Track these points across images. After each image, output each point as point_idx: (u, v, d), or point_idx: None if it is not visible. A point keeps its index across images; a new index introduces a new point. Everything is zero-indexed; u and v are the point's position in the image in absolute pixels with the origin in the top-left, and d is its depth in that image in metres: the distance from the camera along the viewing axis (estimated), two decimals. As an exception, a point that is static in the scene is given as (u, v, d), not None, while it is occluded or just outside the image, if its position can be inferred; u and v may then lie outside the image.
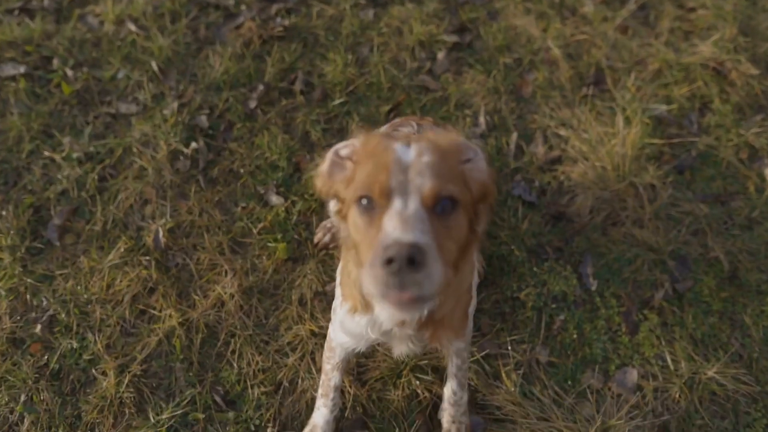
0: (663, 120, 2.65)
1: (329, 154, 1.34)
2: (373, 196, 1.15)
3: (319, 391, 1.95)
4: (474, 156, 1.30)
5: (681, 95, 2.71)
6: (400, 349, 1.68)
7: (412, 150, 1.18)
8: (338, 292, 1.72)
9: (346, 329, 1.69)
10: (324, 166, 1.34)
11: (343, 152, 1.32)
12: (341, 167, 1.31)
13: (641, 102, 2.68)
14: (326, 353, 1.94)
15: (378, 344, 1.94)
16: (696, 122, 2.65)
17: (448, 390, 1.94)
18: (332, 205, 1.36)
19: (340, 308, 1.67)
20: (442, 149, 1.22)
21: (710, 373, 2.08)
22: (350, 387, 2.03)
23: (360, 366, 2.10)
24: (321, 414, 1.94)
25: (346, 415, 2.00)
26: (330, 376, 1.92)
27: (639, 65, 2.82)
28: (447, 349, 1.81)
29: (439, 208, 1.15)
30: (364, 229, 1.18)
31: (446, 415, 1.95)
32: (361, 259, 1.19)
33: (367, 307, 1.51)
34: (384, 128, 2.06)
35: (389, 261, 1.03)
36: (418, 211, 1.11)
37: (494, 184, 1.32)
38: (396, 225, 1.08)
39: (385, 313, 1.42)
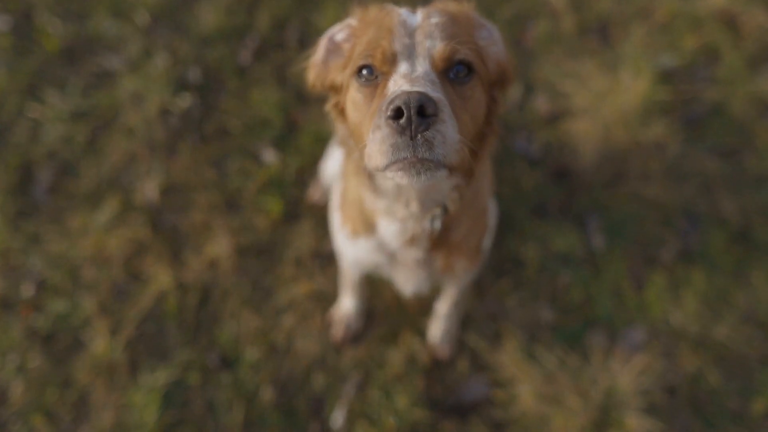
0: (671, 72, 2.35)
1: (322, 41, 1.07)
2: (375, 63, 0.92)
3: (341, 290, 1.76)
4: (490, 31, 1.06)
5: (690, 47, 2.40)
6: (408, 282, 1.34)
7: (418, 14, 0.96)
8: (336, 215, 1.39)
9: (349, 255, 1.39)
10: (317, 54, 1.07)
11: (339, 37, 1.06)
12: (337, 53, 1.05)
13: (648, 54, 2.38)
14: (343, 280, 1.77)
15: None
16: (705, 74, 2.35)
17: (442, 306, 1.72)
18: (328, 106, 1.08)
19: (339, 232, 1.37)
20: (453, 14, 0.99)
21: (719, 334, 1.86)
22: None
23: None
24: (349, 301, 1.75)
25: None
26: (349, 276, 1.70)
27: (646, 15, 2.50)
28: (459, 281, 1.45)
29: (452, 73, 0.93)
30: (365, 104, 0.94)
31: (435, 328, 1.77)
32: (364, 130, 0.93)
33: (369, 227, 1.21)
34: None
35: (397, 113, 0.82)
36: (428, 73, 0.89)
37: (513, 66, 1.08)
38: (403, 83, 0.86)
39: (392, 229, 1.13)
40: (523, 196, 2.10)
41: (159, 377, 1.80)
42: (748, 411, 1.77)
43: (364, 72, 0.94)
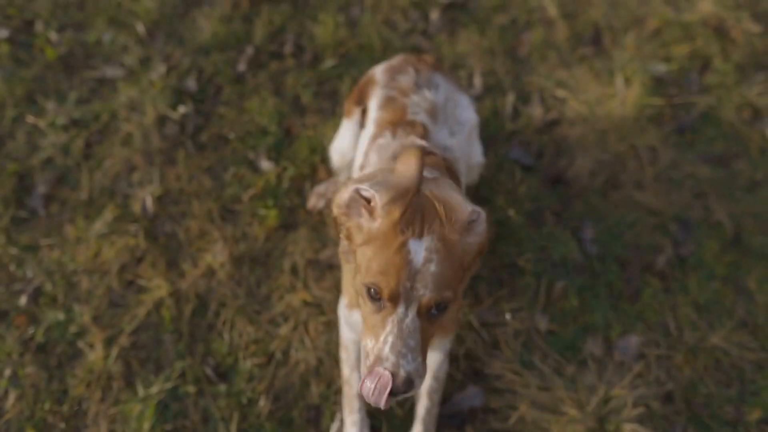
0: (663, 80, 2.27)
1: (350, 188, 1.20)
2: (383, 296, 1.13)
3: (345, 411, 1.61)
4: (476, 218, 1.19)
5: (681, 54, 2.32)
6: None
7: (422, 252, 1.11)
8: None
9: (348, 324, 1.54)
10: (343, 197, 1.20)
11: (365, 193, 1.19)
12: (358, 209, 1.19)
13: (640, 61, 2.29)
14: (342, 355, 1.64)
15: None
16: (697, 82, 2.27)
17: (422, 402, 1.60)
18: (342, 234, 1.25)
19: (341, 302, 1.59)
20: (449, 247, 1.13)
21: (715, 340, 1.78)
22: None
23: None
24: None
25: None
26: (350, 381, 1.60)
27: (638, 24, 2.42)
28: (438, 348, 1.58)
29: (434, 309, 1.14)
30: (370, 310, 1.16)
31: None
32: (367, 326, 1.17)
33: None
34: (380, 70, 1.68)
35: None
36: (414, 321, 1.12)
37: (488, 239, 1.23)
38: (393, 342, 1.11)
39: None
40: (519, 203, 2.01)
41: (154, 387, 1.70)
42: (744, 417, 1.68)
43: (372, 291, 1.14)
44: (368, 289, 1.14)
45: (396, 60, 1.70)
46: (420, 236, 1.12)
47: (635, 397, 1.68)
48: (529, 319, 1.82)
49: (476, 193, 2.02)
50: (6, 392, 1.70)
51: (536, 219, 1.99)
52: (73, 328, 1.79)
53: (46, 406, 1.68)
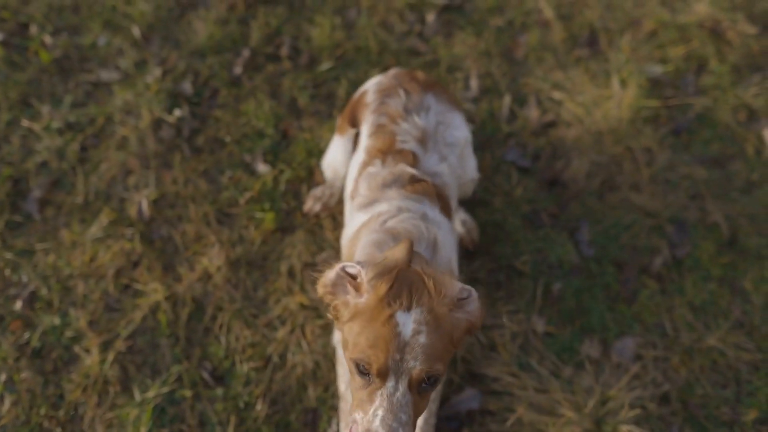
0: (659, 81, 2.30)
1: (336, 268, 1.23)
2: (371, 371, 1.12)
3: (341, 425, 1.63)
4: (467, 296, 1.21)
5: (677, 56, 2.35)
6: None
7: (411, 324, 1.12)
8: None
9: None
10: (329, 276, 1.23)
11: (351, 270, 1.22)
12: (344, 287, 1.21)
13: (636, 63, 2.32)
14: (338, 370, 1.66)
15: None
16: (692, 83, 2.30)
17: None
18: (328, 313, 1.26)
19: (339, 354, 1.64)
20: (438, 320, 1.14)
21: (711, 342, 1.80)
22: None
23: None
24: None
25: None
26: (346, 397, 1.63)
27: (633, 26, 2.45)
28: None
29: (424, 383, 1.14)
30: (359, 385, 1.16)
31: None
32: (354, 402, 1.17)
33: None
34: (371, 91, 1.70)
35: None
36: (404, 395, 1.12)
37: (481, 319, 1.24)
38: (384, 416, 1.09)
39: None
40: (515, 205, 2.04)
41: (151, 392, 1.72)
42: (741, 418, 1.71)
43: (361, 367, 1.13)
44: (357, 365, 1.14)
45: (387, 78, 1.70)
46: (408, 309, 1.12)
47: (632, 399, 1.71)
48: (526, 321, 1.84)
49: (473, 196, 2.04)
50: (1, 397, 1.72)
51: (533, 221, 2.02)
52: (68, 333, 1.81)
53: (42, 411, 1.70)
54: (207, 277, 1.89)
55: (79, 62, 2.30)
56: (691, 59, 2.35)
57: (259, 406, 1.71)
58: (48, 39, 2.33)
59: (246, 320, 1.83)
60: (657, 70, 2.30)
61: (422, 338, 1.10)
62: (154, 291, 1.85)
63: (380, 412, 1.09)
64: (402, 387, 1.11)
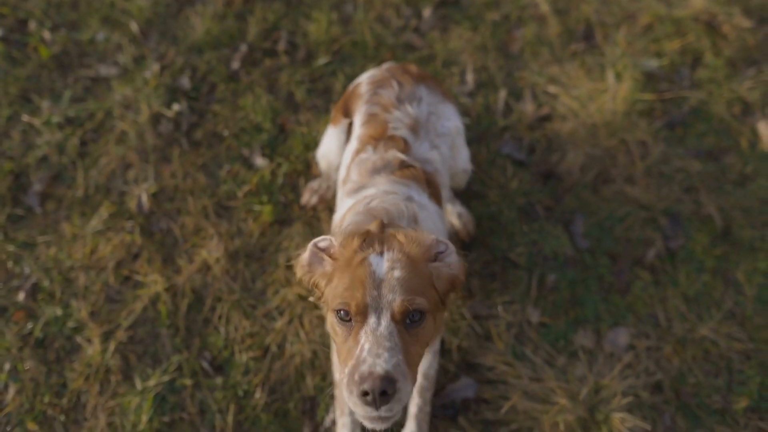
0: (654, 75, 2.36)
1: (309, 246, 1.29)
2: (351, 311, 1.16)
3: (336, 412, 1.68)
4: (445, 249, 1.27)
5: (672, 50, 2.41)
6: None
7: (384, 262, 1.18)
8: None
9: None
10: (304, 257, 1.29)
11: (322, 244, 1.28)
12: (320, 261, 1.28)
13: (632, 57, 2.38)
14: (334, 359, 1.72)
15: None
16: (688, 77, 2.36)
17: (414, 399, 1.67)
18: (313, 297, 1.35)
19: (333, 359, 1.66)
20: (412, 258, 1.21)
21: (703, 332, 1.86)
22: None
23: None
24: None
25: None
26: (341, 385, 1.66)
27: (629, 20, 2.50)
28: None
29: (408, 321, 1.17)
30: (343, 337, 1.20)
31: None
32: (341, 359, 1.20)
33: None
34: (365, 82, 1.75)
35: (365, 393, 1.09)
36: (388, 327, 1.14)
37: (464, 273, 1.30)
38: (370, 347, 1.12)
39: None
40: (511, 198, 2.10)
41: (151, 381, 1.78)
42: (732, 406, 1.77)
43: (342, 313, 1.17)
44: (338, 315, 1.17)
45: (380, 71, 1.76)
46: (381, 253, 1.18)
47: (625, 387, 1.77)
48: (521, 312, 1.90)
49: (468, 189, 2.10)
50: (6, 386, 1.78)
51: (528, 213, 2.08)
52: (70, 323, 1.87)
53: (46, 399, 1.76)
54: (206, 268, 1.95)
55: (78, 58, 2.36)
56: (687, 53, 2.41)
57: (258, 395, 1.77)
58: (47, 35, 2.39)
59: (245, 311, 1.89)
60: (652, 64, 2.36)
61: (397, 272, 1.15)
62: (154, 282, 1.92)
63: (366, 345, 1.12)
64: (384, 321, 1.14)
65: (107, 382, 1.79)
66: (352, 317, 1.16)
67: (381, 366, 1.08)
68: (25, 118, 2.21)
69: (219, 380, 1.79)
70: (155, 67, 2.30)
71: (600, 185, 2.13)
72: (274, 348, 1.84)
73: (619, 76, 2.31)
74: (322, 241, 1.28)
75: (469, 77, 2.35)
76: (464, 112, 2.24)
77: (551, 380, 1.78)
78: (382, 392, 1.07)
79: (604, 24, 2.49)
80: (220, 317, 1.89)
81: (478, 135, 2.22)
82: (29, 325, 1.87)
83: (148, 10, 2.45)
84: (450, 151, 1.68)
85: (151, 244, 1.99)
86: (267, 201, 2.05)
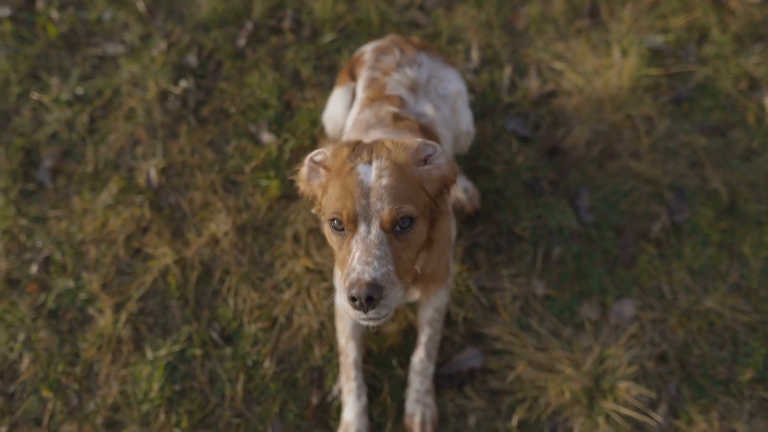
0: (660, 51, 2.36)
1: (306, 161, 1.35)
2: (342, 220, 1.21)
3: (342, 378, 1.72)
4: (432, 152, 1.30)
5: (678, 26, 2.41)
6: None
7: (372, 171, 1.22)
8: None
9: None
10: (303, 171, 1.36)
11: (317, 158, 1.33)
12: (317, 173, 1.33)
13: (637, 34, 2.38)
14: (338, 325, 1.76)
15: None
16: (694, 53, 2.36)
17: (416, 358, 1.72)
18: (314, 209, 1.38)
19: (336, 274, 1.69)
20: (399, 165, 1.24)
21: (709, 304, 1.88)
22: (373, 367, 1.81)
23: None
24: (349, 408, 1.67)
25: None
26: (346, 350, 1.72)
27: (636, -3, 2.51)
28: (433, 296, 1.70)
29: (397, 227, 1.21)
30: (338, 245, 1.26)
31: (411, 391, 1.70)
32: (341, 268, 1.25)
33: None
34: (369, 50, 1.79)
35: (353, 298, 1.16)
36: (378, 235, 1.19)
37: (454, 173, 1.33)
38: (360, 255, 1.18)
39: None
40: (516, 173, 2.11)
41: (162, 350, 1.82)
42: (737, 377, 1.79)
43: (335, 222, 1.23)
44: (332, 224, 1.22)
45: (384, 41, 1.82)
46: (369, 162, 1.22)
47: (630, 357, 1.79)
48: (526, 285, 1.92)
49: (474, 163, 2.12)
50: (21, 356, 1.83)
51: (533, 188, 2.09)
52: (82, 295, 1.91)
53: (60, 368, 1.80)
54: (214, 242, 1.99)
55: (86, 36, 2.39)
56: (693, 29, 2.41)
57: (266, 365, 1.81)
58: (54, 14, 2.42)
59: (253, 283, 1.92)
60: (658, 40, 2.36)
61: (385, 180, 1.19)
62: (164, 255, 1.95)
63: (357, 254, 1.17)
64: (374, 230, 1.19)
65: (119, 351, 1.83)
66: (344, 226, 1.21)
67: (369, 274, 1.15)
68: (35, 95, 2.25)
69: (228, 350, 1.83)
70: (162, 44, 2.33)
71: (605, 160, 2.14)
72: (282, 319, 1.87)
73: (625, 52, 2.32)
74: (317, 154, 1.32)
75: (474, 54, 2.36)
76: (469, 89, 2.25)
77: (557, 350, 1.80)
78: (369, 298, 1.14)
79: (609, 1, 2.49)
80: (228, 289, 1.92)
81: (483, 111, 2.23)
82: (42, 297, 1.91)
83: (155, -11, 2.47)
84: (452, 113, 1.71)
85: (160, 218, 2.02)
86: (274, 176, 2.07)
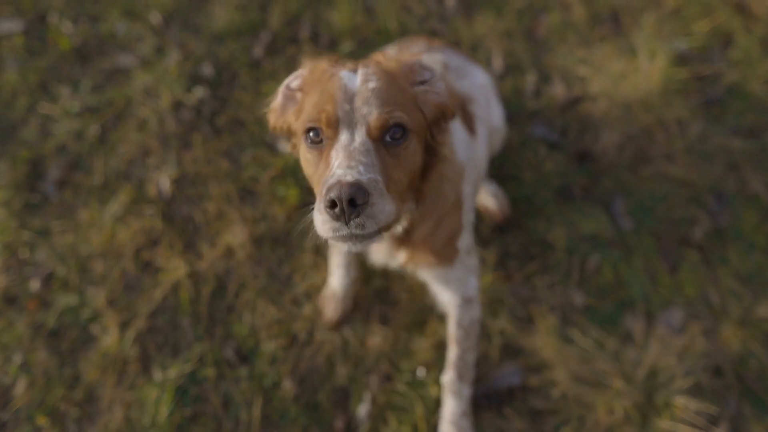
0: (685, 56, 2.26)
1: (281, 88, 1.14)
2: (321, 126, 1.00)
3: (331, 261, 1.69)
4: (429, 77, 1.11)
5: (702, 31, 2.32)
6: (376, 257, 1.39)
7: (358, 76, 1.02)
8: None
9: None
10: (277, 101, 1.15)
11: (294, 84, 1.13)
12: (293, 100, 1.12)
13: (661, 39, 2.30)
14: (331, 263, 1.72)
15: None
16: (720, 57, 2.27)
17: (446, 378, 1.52)
18: (288, 146, 1.17)
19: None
20: (390, 73, 1.05)
21: (762, 312, 1.71)
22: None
23: (383, 313, 1.74)
24: (336, 281, 1.66)
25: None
26: (332, 279, 1.70)
27: (655, 3, 2.43)
28: (428, 274, 1.42)
29: (387, 137, 1.01)
30: (314, 163, 1.04)
31: (445, 413, 1.51)
32: (317, 191, 1.03)
33: None
34: (394, 46, 1.71)
35: (332, 204, 0.92)
36: (364, 143, 0.98)
37: (454, 99, 1.13)
38: (341, 161, 0.96)
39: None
40: (545, 180, 1.98)
41: (172, 371, 1.63)
42: (800, 393, 1.60)
43: (312, 134, 1.02)
44: (307, 138, 1.01)
45: (407, 40, 1.74)
46: (354, 70, 1.03)
47: (683, 371, 1.61)
48: (563, 295, 1.76)
49: (502, 170, 1.99)
50: (15, 380, 1.64)
51: (564, 195, 1.95)
52: (86, 313, 1.74)
53: (58, 392, 1.61)
54: (230, 254, 1.83)
55: (98, 49, 2.29)
56: (717, 34, 2.32)
57: (286, 385, 1.62)
58: (67, 27, 2.33)
59: (271, 297, 1.76)
60: (683, 44, 2.27)
61: (372, 84, 0.99)
62: (176, 268, 1.79)
63: (337, 161, 0.95)
64: (359, 137, 0.98)
65: (124, 373, 1.65)
66: (322, 137, 1.00)
67: (351, 175, 0.92)
68: (44, 107, 2.13)
69: (244, 370, 1.64)
70: (176, 55, 2.23)
71: (638, 164, 2.01)
72: (302, 335, 1.70)
73: (651, 56, 2.22)
74: (294, 80, 1.12)
75: (496, 62, 2.27)
76: (492, 95, 2.15)
77: (602, 364, 1.62)
78: (351, 201, 0.90)
79: (630, 9, 2.42)
80: (244, 304, 1.75)
81: (508, 118, 2.11)
82: (42, 315, 1.74)
83: (170, 2, 2.40)
84: (486, 102, 1.59)
85: (172, 230, 1.87)
86: (292, 185, 1.94)
